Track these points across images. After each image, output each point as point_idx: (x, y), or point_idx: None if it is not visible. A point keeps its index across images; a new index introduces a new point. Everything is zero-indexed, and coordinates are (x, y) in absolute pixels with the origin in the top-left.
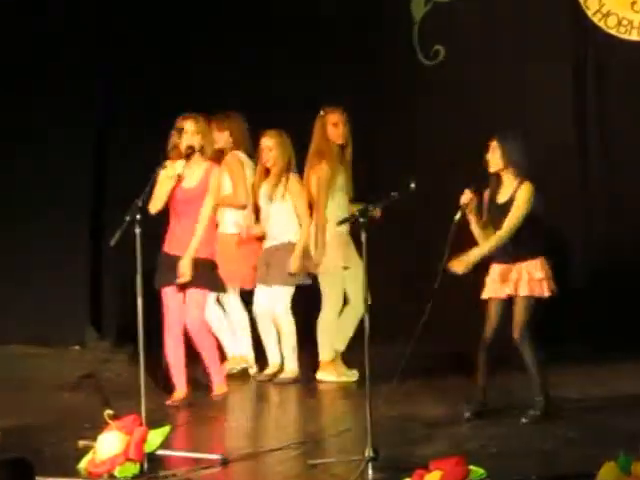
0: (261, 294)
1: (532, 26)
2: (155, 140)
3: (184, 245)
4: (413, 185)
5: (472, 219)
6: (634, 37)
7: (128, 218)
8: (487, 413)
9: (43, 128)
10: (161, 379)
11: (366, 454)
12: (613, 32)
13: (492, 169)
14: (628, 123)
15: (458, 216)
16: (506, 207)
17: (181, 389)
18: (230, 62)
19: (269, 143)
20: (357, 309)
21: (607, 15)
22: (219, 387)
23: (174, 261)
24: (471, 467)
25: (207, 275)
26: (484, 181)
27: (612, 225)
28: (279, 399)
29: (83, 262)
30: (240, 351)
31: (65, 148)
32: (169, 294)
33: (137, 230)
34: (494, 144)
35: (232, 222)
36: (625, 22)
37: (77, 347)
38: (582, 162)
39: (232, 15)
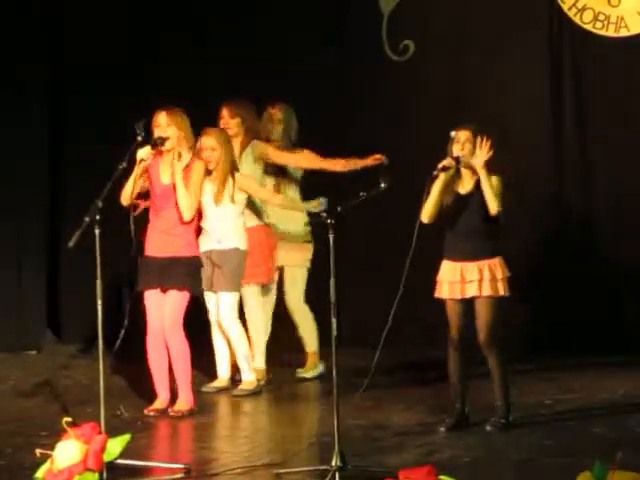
0: (211, 302)
1: (505, 21)
2: (113, 139)
3: (165, 245)
4: (384, 184)
5: (439, 188)
6: (611, 33)
7: (87, 219)
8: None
9: None
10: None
11: (333, 463)
12: (589, 27)
13: (462, 162)
14: (605, 121)
15: (436, 173)
16: (469, 198)
17: (163, 398)
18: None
19: (211, 142)
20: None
21: (583, 10)
22: (181, 403)
23: (156, 263)
24: (442, 477)
25: (189, 276)
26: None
27: (589, 226)
28: (244, 408)
29: (39, 263)
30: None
31: (20, 150)
32: (151, 297)
33: (97, 231)
34: (468, 136)
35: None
36: (602, 17)
37: (34, 352)
38: (558, 162)
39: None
